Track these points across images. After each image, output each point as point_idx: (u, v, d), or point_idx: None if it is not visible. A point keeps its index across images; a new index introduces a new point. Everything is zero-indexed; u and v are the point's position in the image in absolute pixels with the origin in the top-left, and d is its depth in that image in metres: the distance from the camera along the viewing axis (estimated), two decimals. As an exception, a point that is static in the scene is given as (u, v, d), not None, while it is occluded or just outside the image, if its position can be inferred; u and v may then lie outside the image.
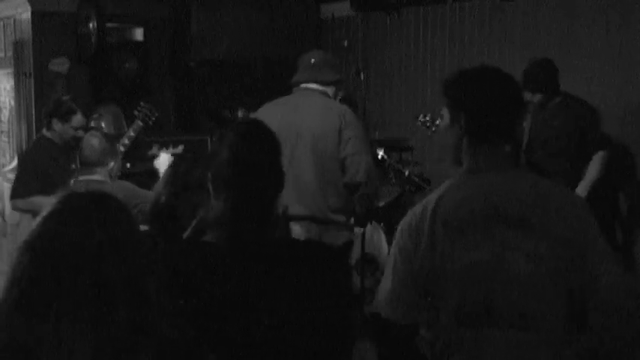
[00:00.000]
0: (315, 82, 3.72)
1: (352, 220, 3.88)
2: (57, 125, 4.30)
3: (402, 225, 1.85)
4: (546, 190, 1.77)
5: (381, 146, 5.53)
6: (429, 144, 6.18)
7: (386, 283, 1.85)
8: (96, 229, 1.22)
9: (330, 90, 3.78)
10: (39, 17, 6.02)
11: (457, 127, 1.82)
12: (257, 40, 6.36)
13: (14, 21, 6.43)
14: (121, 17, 6.27)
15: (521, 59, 5.38)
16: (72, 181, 3.74)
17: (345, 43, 6.19)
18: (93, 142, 3.58)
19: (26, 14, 6.10)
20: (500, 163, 1.79)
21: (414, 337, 1.84)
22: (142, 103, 4.77)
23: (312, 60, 3.74)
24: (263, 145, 1.73)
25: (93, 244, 1.20)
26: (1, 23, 6.70)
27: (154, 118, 4.78)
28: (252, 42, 6.36)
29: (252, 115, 3.99)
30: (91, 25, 5.89)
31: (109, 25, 6.02)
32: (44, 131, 4.43)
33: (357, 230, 4.05)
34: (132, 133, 4.53)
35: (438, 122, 4.48)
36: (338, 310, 1.73)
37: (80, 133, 4.35)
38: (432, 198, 1.82)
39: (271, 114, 3.58)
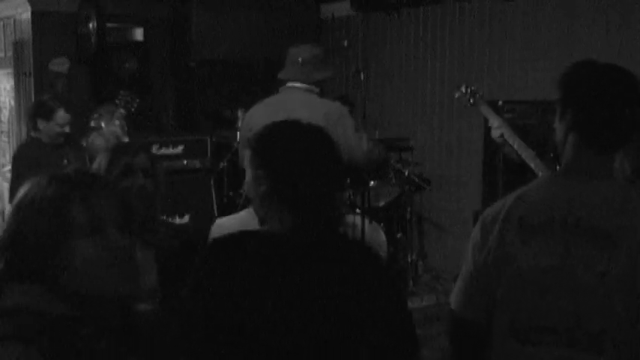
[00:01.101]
0: (300, 81, 3.70)
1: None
2: (42, 125, 4.32)
3: (481, 217, 1.78)
4: (633, 202, 1.62)
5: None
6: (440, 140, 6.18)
7: (460, 276, 1.80)
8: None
9: (317, 87, 3.75)
10: (39, 17, 6.02)
11: (563, 124, 1.71)
12: (257, 40, 6.36)
13: (14, 21, 6.43)
14: (121, 17, 6.28)
15: (521, 59, 5.39)
16: None
17: (345, 43, 6.18)
18: (97, 141, 3.49)
19: (26, 14, 6.10)
20: (599, 172, 1.66)
21: (485, 334, 1.75)
22: (121, 92, 4.76)
23: (300, 58, 3.72)
24: (318, 143, 1.66)
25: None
26: (1, 23, 6.70)
27: (135, 105, 4.76)
28: (252, 42, 6.36)
29: (244, 117, 3.95)
30: (91, 25, 5.89)
31: (109, 25, 6.02)
32: (31, 133, 4.44)
33: (349, 219, 4.07)
34: (117, 122, 4.51)
35: (479, 95, 4.37)
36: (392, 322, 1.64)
37: (67, 128, 4.36)
38: (515, 193, 1.74)
39: (261, 114, 3.59)
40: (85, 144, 4.80)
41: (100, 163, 3.53)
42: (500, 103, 5.27)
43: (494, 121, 4.27)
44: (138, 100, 4.75)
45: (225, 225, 2.67)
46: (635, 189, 1.69)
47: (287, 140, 1.64)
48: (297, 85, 3.73)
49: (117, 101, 4.68)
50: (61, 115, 4.32)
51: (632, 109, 1.66)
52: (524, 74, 5.32)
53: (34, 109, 4.42)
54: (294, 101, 3.66)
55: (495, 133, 4.27)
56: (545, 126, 4.52)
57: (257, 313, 1.51)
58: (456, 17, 5.92)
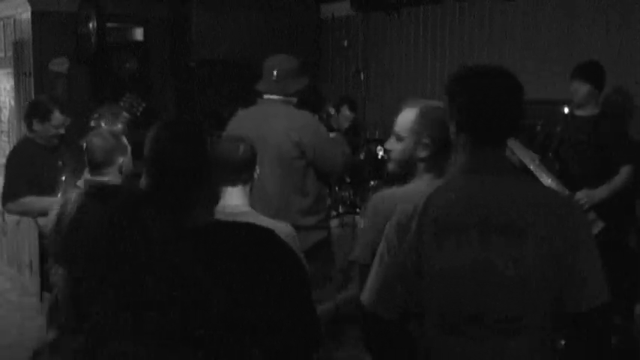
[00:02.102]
0: (277, 93, 3.76)
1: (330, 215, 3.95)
2: (37, 126, 4.28)
3: (393, 219, 1.83)
4: (538, 195, 1.74)
5: (381, 146, 5.53)
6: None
7: (371, 274, 1.84)
8: None
9: (294, 98, 3.81)
10: (39, 17, 6.02)
11: (453, 124, 1.80)
12: (257, 40, 6.36)
13: (14, 21, 6.43)
14: (121, 17, 6.28)
15: (522, 59, 5.39)
16: (80, 182, 3.68)
17: (345, 43, 6.20)
18: (96, 141, 3.41)
19: (26, 14, 6.11)
20: (494, 166, 1.76)
21: (400, 331, 1.83)
22: (127, 94, 4.74)
23: (275, 72, 3.77)
24: (180, 140, 1.75)
25: None
26: (1, 23, 6.71)
27: (140, 108, 4.73)
28: (252, 42, 6.36)
29: (229, 124, 3.99)
30: (91, 25, 5.89)
31: (109, 25, 6.02)
32: (27, 134, 4.42)
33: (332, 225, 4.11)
34: (119, 126, 4.50)
35: None
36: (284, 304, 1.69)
37: (62, 130, 4.35)
38: (423, 195, 1.80)
39: (240, 127, 3.67)
40: (84, 144, 4.79)
41: (122, 163, 3.52)
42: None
43: None
44: (143, 104, 4.73)
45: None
46: (533, 181, 1.79)
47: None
48: (274, 97, 3.78)
49: (121, 103, 4.66)
50: (57, 116, 4.29)
51: (513, 103, 1.76)
52: (524, 74, 5.30)
53: (29, 110, 4.38)
54: (272, 113, 3.72)
55: None
56: (545, 126, 4.53)
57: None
58: (456, 17, 5.92)
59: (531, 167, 4.21)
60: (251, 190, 2.74)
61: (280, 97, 3.77)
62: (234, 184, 2.64)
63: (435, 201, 1.76)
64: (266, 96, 3.82)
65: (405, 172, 2.37)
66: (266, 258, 1.69)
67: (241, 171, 2.66)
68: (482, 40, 5.71)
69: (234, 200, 2.64)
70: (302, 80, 3.87)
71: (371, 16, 6.60)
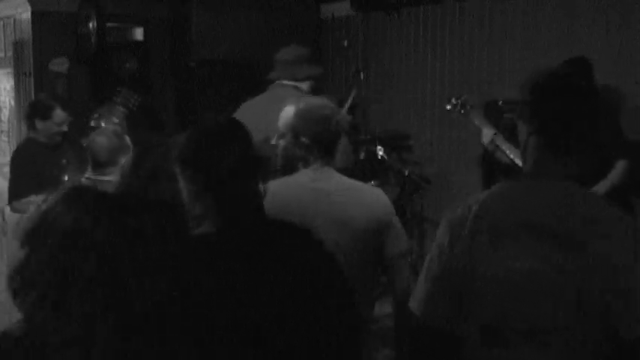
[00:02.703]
0: (288, 78, 3.84)
1: None
2: (39, 124, 4.29)
3: (444, 220, 1.79)
4: (601, 209, 1.68)
5: (381, 146, 5.53)
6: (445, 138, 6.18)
7: (421, 279, 1.80)
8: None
9: (304, 85, 3.87)
10: (39, 17, 6.02)
11: (526, 127, 1.76)
12: (257, 40, 6.36)
13: (14, 21, 6.43)
14: (121, 17, 6.28)
15: (521, 59, 5.39)
16: (83, 179, 3.67)
17: (345, 43, 6.19)
18: (100, 140, 3.39)
19: (26, 14, 6.11)
20: (561, 175, 1.71)
21: (448, 340, 1.76)
22: (118, 89, 4.72)
23: (286, 57, 3.87)
24: (233, 138, 1.71)
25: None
26: (1, 23, 6.71)
27: (136, 102, 4.72)
28: (252, 42, 6.36)
29: (235, 114, 4.03)
30: (91, 25, 5.89)
31: (109, 25, 6.02)
32: (29, 133, 4.42)
33: None
34: (116, 120, 4.49)
35: (469, 105, 4.44)
36: (341, 302, 1.69)
37: (64, 127, 4.35)
38: (480, 196, 1.77)
39: (249, 111, 3.73)
40: (84, 143, 4.79)
41: (123, 166, 3.49)
42: (500, 103, 5.28)
43: (487, 130, 4.31)
44: (138, 98, 4.70)
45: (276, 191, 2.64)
46: (596, 194, 1.74)
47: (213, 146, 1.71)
48: (284, 82, 3.86)
49: (114, 99, 4.64)
50: (59, 113, 4.30)
51: (590, 116, 1.73)
52: (524, 74, 5.30)
53: (31, 109, 4.39)
54: (280, 96, 3.73)
55: (486, 139, 4.31)
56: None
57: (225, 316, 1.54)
58: (456, 17, 5.92)
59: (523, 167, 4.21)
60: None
61: (291, 82, 3.83)
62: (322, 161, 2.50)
63: (492, 204, 1.72)
64: (277, 82, 3.88)
65: (289, 167, 2.37)
66: (309, 262, 1.68)
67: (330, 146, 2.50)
68: (482, 40, 5.71)
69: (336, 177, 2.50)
70: (313, 68, 3.94)
71: (371, 16, 6.60)
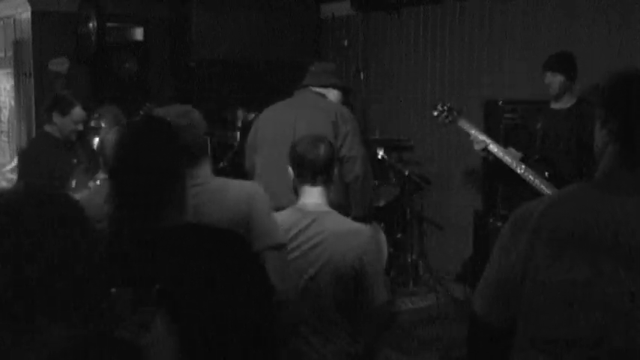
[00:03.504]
0: (313, 85, 3.98)
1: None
2: (57, 119, 4.33)
3: (510, 218, 1.72)
4: None
5: (381, 146, 5.53)
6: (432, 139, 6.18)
7: (484, 276, 1.76)
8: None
9: (330, 93, 4.01)
10: (39, 17, 6.02)
11: (605, 132, 1.64)
12: (257, 40, 6.37)
13: (14, 21, 6.43)
14: (121, 17, 6.27)
15: (521, 59, 5.40)
16: (97, 181, 3.68)
17: (345, 43, 6.20)
18: (111, 138, 3.43)
19: (26, 14, 6.10)
20: (634, 186, 1.59)
21: (503, 339, 1.72)
22: (147, 103, 4.77)
23: (312, 67, 4.07)
24: (147, 140, 1.73)
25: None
26: (1, 23, 6.70)
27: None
28: (252, 42, 6.36)
29: (255, 120, 4.15)
30: (91, 25, 5.89)
31: (109, 25, 6.02)
32: (45, 127, 4.46)
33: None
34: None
35: (456, 112, 4.44)
36: (246, 305, 1.68)
37: (80, 126, 4.38)
38: (547, 198, 1.70)
39: (271, 115, 3.95)
40: (84, 144, 4.80)
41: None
42: (500, 103, 5.28)
43: (476, 136, 4.31)
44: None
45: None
46: None
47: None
48: (311, 88, 4.01)
49: (141, 112, 4.68)
50: (78, 111, 4.36)
51: None
52: (524, 74, 5.32)
53: (52, 103, 4.44)
54: (307, 100, 3.94)
55: (478, 147, 4.31)
56: (534, 126, 4.52)
57: None
58: (456, 17, 5.92)
59: (518, 170, 4.20)
60: (329, 190, 2.73)
61: (316, 88, 3.98)
62: (313, 184, 2.66)
63: (560, 208, 1.63)
64: (303, 88, 4.03)
65: None
66: (232, 261, 1.68)
67: (321, 172, 2.66)
68: (482, 40, 5.71)
69: (313, 199, 2.65)
70: (337, 80, 4.12)
71: (371, 16, 6.60)
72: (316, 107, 3.86)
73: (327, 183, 2.69)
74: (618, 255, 1.53)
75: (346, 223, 2.68)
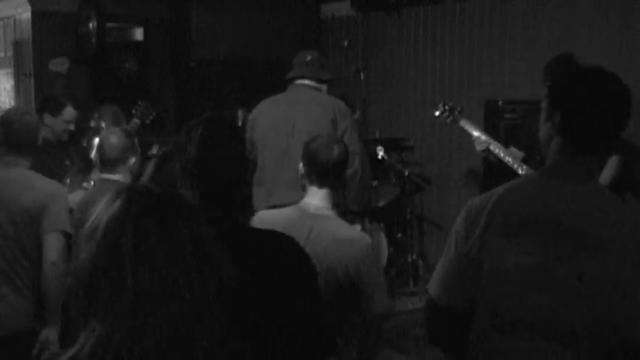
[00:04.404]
0: (310, 78, 3.91)
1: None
2: (49, 120, 4.31)
3: (464, 208, 1.82)
4: (619, 212, 1.67)
5: (381, 146, 5.53)
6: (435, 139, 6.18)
7: (439, 263, 1.86)
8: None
9: (324, 87, 3.98)
10: (39, 17, 6.02)
11: (550, 125, 1.75)
12: (257, 40, 6.36)
13: (14, 21, 6.43)
14: (121, 17, 6.27)
15: (521, 59, 5.39)
16: (91, 181, 3.68)
17: (345, 43, 6.20)
18: (112, 139, 3.40)
19: (26, 14, 6.10)
20: (582, 174, 1.70)
21: (459, 320, 1.82)
22: (139, 102, 4.77)
23: (308, 58, 3.93)
24: (226, 141, 1.73)
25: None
26: (1, 23, 6.70)
27: (151, 117, 4.77)
28: (252, 42, 6.36)
29: (251, 113, 4.07)
30: (91, 25, 5.89)
31: (109, 25, 6.02)
32: None
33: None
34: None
35: (457, 111, 4.44)
36: (306, 308, 1.70)
37: (72, 126, 4.37)
38: (500, 189, 1.77)
39: (268, 110, 3.87)
40: (84, 144, 4.80)
41: (146, 170, 3.51)
42: (500, 103, 5.28)
43: (478, 136, 4.30)
44: (154, 113, 4.75)
45: (266, 219, 2.64)
46: (615, 195, 1.73)
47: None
48: (306, 82, 3.93)
49: (133, 111, 4.68)
50: (69, 111, 4.34)
51: (619, 116, 1.71)
52: (524, 74, 5.32)
53: (42, 104, 4.43)
54: (305, 95, 3.88)
55: (479, 147, 4.31)
56: (534, 126, 4.52)
57: None
58: (456, 17, 5.92)
59: (519, 171, 4.20)
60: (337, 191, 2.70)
61: (312, 83, 3.92)
62: (320, 185, 2.58)
63: (511, 197, 1.73)
64: (298, 81, 3.94)
65: None
66: (288, 267, 1.70)
67: (331, 174, 2.57)
68: (482, 40, 5.71)
69: (316, 200, 2.58)
70: (328, 73, 4.05)
71: (371, 16, 6.60)
72: (315, 103, 3.82)
73: (334, 187, 2.60)
74: (565, 238, 1.63)
75: (345, 230, 2.61)
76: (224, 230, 1.63)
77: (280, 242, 1.74)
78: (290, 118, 3.77)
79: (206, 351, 1.15)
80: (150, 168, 3.87)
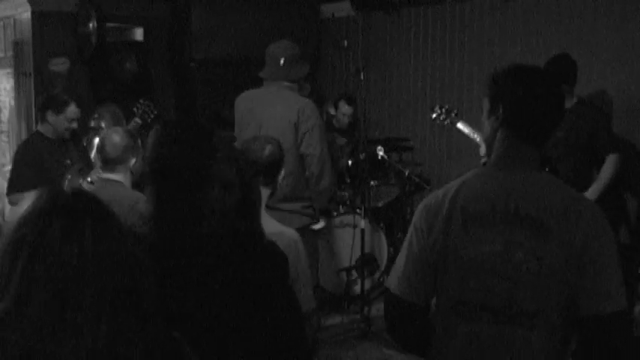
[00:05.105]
0: (283, 79, 4.00)
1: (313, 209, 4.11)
2: (51, 117, 4.31)
3: (422, 204, 1.89)
4: (567, 197, 1.77)
5: (381, 146, 5.53)
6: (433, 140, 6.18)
7: (399, 259, 1.91)
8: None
9: (295, 85, 4.08)
10: (39, 17, 6.02)
11: (493, 119, 1.85)
12: (257, 40, 6.34)
13: (14, 21, 6.43)
14: (121, 17, 6.27)
15: (522, 59, 5.39)
16: (89, 179, 3.68)
17: (345, 43, 6.18)
18: (114, 138, 3.40)
19: (26, 14, 6.10)
20: (528, 163, 1.81)
21: (423, 316, 1.88)
22: (141, 100, 4.76)
23: (282, 59, 4.00)
24: (187, 145, 1.70)
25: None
26: (1, 23, 6.70)
27: (152, 116, 4.76)
28: (252, 42, 6.35)
29: (235, 104, 4.20)
30: (91, 25, 5.89)
31: (109, 25, 6.02)
32: (38, 126, 4.44)
33: (319, 225, 4.20)
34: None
35: (454, 113, 4.44)
36: (276, 316, 1.67)
37: (75, 124, 4.36)
38: (454, 183, 1.86)
39: (243, 105, 4.08)
40: (84, 143, 4.79)
41: (134, 164, 3.50)
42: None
43: (474, 138, 4.31)
44: (156, 112, 4.75)
45: None
46: (560, 181, 1.84)
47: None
48: (281, 82, 4.04)
49: (134, 109, 4.68)
50: (72, 109, 4.34)
51: (555, 106, 1.85)
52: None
53: (45, 101, 4.41)
54: (275, 96, 3.99)
55: (483, 152, 4.31)
56: None
57: None
58: (455, 17, 5.92)
59: None
60: (272, 195, 2.74)
61: (286, 83, 4.01)
62: None
63: (466, 190, 1.82)
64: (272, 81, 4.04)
65: None
66: (258, 274, 1.67)
67: (264, 173, 2.64)
68: (482, 40, 5.71)
69: None
70: (304, 67, 4.12)
71: (371, 16, 6.60)
72: (281, 106, 3.91)
73: (268, 185, 2.67)
74: (522, 225, 1.73)
75: (272, 226, 2.58)
76: (175, 239, 1.61)
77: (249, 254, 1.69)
78: (258, 115, 3.95)
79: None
80: None
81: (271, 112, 3.89)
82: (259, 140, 2.79)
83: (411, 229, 1.90)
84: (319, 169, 3.91)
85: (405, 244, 1.90)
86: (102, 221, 1.23)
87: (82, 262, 1.17)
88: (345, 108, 5.94)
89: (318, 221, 4.16)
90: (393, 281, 1.90)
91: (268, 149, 2.71)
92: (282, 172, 2.84)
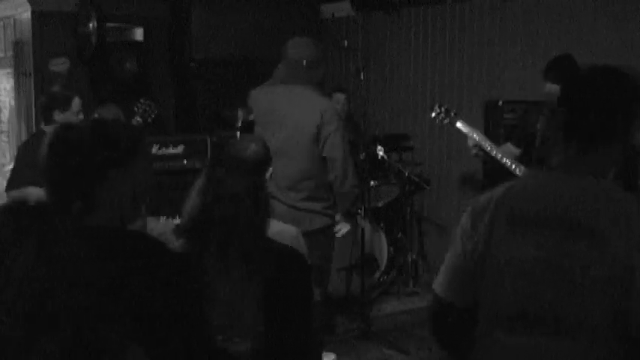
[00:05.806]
0: (305, 84, 3.87)
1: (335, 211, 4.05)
2: (59, 116, 4.25)
3: (469, 207, 1.85)
4: (624, 206, 1.67)
5: (381, 146, 5.53)
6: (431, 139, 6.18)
7: (445, 260, 1.88)
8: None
9: (317, 85, 4.01)
10: (39, 17, 6.02)
11: (554, 124, 1.85)
12: (257, 40, 6.36)
13: (14, 21, 6.43)
14: (121, 17, 6.27)
15: (521, 59, 5.39)
16: None
17: (345, 43, 6.19)
18: None
19: (26, 14, 6.11)
20: (587, 168, 1.72)
21: (464, 318, 1.83)
22: (141, 100, 4.75)
23: (304, 62, 3.86)
24: (70, 150, 1.77)
25: None
26: (1, 23, 6.71)
27: (153, 115, 4.75)
28: (252, 42, 6.36)
29: (250, 97, 4.08)
30: (91, 25, 5.89)
31: (109, 25, 6.02)
32: (42, 126, 4.41)
33: (344, 229, 4.15)
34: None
35: (453, 113, 4.43)
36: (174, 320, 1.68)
37: (81, 115, 4.34)
38: (504, 186, 1.81)
39: (264, 102, 3.93)
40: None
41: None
42: (500, 103, 5.28)
43: (473, 138, 4.30)
44: (156, 111, 4.73)
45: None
46: (621, 189, 1.73)
47: None
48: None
49: (135, 109, 4.67)
50: (77, 102, 4.31)
51: (623, 112, 1.72)
52: (524, 74, 5.32)
53: (49, 102, 4.35)
54: (297, 95, 3.86)
55: (473, 151, 4.30)
56: (534, 126, 4.51)
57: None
58: (456, 17, 5.92)
59: (517, 172, 4.19)
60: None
61: (308, 85, 3.92)
62: None
63: (513, 193, 1.76)
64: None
65: None
66: (148, 271, 1.68)
67: (248, 172, 2.61)
68: (482, 40, 5.71)
69: None
70: (324, 67, 4.08)
71: (371, 16, 6.60)
72: (306, 107, 3.81)
73: None
74: (573, 232, 1.64)
75: (272, 227, 2.62)
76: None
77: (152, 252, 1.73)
78: (279, 113, 3.83)
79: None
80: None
81: (294, 114, 3.80)
82: (243, 140, 2.81)
83: (456, 229, 1.85)
84: (342, 171, 3.85)
85: (451, 245, 1.87)
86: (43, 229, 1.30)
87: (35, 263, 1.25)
88: (338, 96, 5.88)
89: (342, 225, 4.11)
90: (437, 283, 1.87)
91: (252, 148, 2.70)
92: (270, 170, 2.83)
